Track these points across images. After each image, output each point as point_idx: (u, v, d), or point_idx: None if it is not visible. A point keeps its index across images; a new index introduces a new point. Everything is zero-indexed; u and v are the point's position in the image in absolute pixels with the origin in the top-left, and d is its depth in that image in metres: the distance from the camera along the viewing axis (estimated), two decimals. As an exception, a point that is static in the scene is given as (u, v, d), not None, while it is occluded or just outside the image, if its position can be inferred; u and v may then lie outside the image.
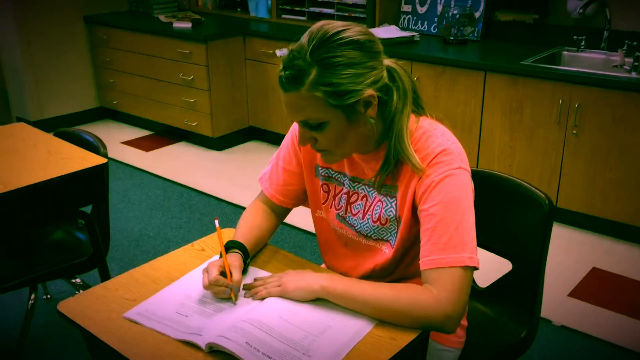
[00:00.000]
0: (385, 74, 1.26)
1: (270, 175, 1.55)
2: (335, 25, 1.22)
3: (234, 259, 1.34)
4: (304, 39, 1.22)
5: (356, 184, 1.40)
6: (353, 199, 1.41)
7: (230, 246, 1.39)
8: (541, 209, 1.52)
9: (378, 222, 1.37)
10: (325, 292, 1.25)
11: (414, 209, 1.30)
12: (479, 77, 3.23)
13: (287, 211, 1.58)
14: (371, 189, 1.37)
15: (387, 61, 1.29)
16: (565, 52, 3.42)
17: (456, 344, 1.49)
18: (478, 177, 1.63)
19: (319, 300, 1.26)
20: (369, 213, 1.38)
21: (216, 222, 1.38)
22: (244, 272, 1.37)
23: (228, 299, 1.28)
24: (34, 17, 4.52)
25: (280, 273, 1.32)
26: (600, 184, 3.02)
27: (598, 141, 2.97)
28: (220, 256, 1.35)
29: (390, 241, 1.37)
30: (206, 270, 1.30)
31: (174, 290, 1.33)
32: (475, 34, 3.70)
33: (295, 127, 1.48)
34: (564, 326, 2.45)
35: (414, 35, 3.71)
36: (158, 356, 1.12)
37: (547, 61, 3.27)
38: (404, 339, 1.16)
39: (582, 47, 3.37)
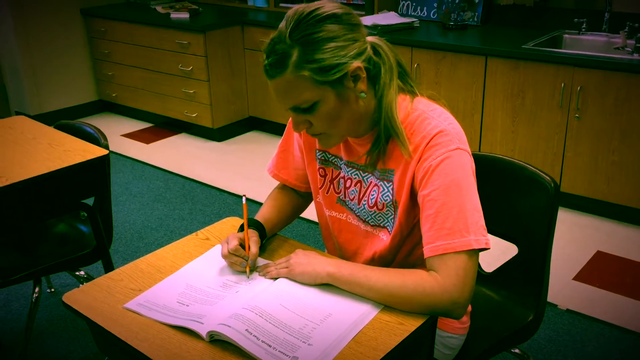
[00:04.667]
0: (369, 47, 1.25)
1: (277, 162, 1.55)
2: (309, 5, 1.22)
3: (252, 234, 1.37)
4: (282, 24, 1.21)
5: (350, 169, 1.38)
6: (348, 184, 1.40)
7: (249, 224, 1.42)
8: (546, 192, 1.51)
9: (375, 208, 1.35)
10: (332, 278, 1.24)
11: (412, 193, 1.28)
12: (479, 62, 3.21)
13: (307, 195, 1.58)
14: (366, 174, 1.35)
15: (370, 38, 1.28)
16: (567, 35, 3.40)
17: (460, 330, 1.48)
18: (483, 161, 1.62)
19: (322, 285, 1.25)
20: (365, 199, 1.36)
21: (243, 198, 1.43)
22: (261, 250, 1.41)
23: (235, 280, 1.29)
24: (31, 10, 4.49)
25: (291, 254, 1.32)
26: (603, 167, 3.01)
27: (601, 124, 2.95)
28: (241, 230, 1.39)
29: (388, 228, 1.35)
30: (226, 241, 1.34)
31: (174, 280, 1.32)
32: (476, 19, 3.67)
33: None
34: (570, 310, 2.45)
35: (413, 22, 3.69)
36: (165, 345, 1.12)
37: (549, 44, 3.25)
38: (413, 323, 1.16)
39: (584, 29, 3.35)
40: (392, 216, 1.33)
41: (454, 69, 3.31)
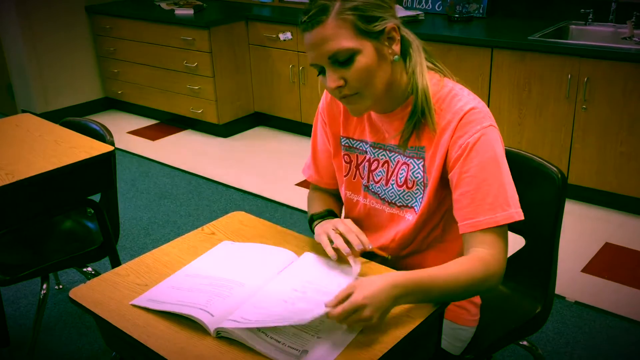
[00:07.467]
0: (399, 23, 1.28)
1: (312, 162, 1.55)
2: None
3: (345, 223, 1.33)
4: None
5: (377, 150, 1.38)
6: (374, 166, 1.39)
7: (322, 215, 1.41)
8: (553, 183, 1.50)
9: (404, 186, 1.35)
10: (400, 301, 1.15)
11: (444, 170, 1.29)
12: (485, 54, 3.19)
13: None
14: (393, 153, 1.35)
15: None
16: (573, 26, 3.38)
17: (470, 322, 1.47)
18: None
19: (328, 280, 1.25)
20: (393, 178, 1.36)
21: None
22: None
23: (242, 276, 1.29)
24: (37, 8, 4.50)
25: (354, 298, 1.08)
26: (611, 159, 2.99)
27: (608, 115, 2.93)
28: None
29: (415, 207, 1.35)
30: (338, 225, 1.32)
31: (182, 276, 1.31)
32: (481, 11, 3.65)
33: (322, 105, 1.48)
34: (578, 302, 2.44)
35: (418, 14, 3.67)
36: (172, 340, 1.12)
37: (555, 35, 3.23)
38: (420, 315, 1.15)
39: (590, 20, 3.32)
40: (421, 195, 1.33)
41: (459, 61, 3.29)
